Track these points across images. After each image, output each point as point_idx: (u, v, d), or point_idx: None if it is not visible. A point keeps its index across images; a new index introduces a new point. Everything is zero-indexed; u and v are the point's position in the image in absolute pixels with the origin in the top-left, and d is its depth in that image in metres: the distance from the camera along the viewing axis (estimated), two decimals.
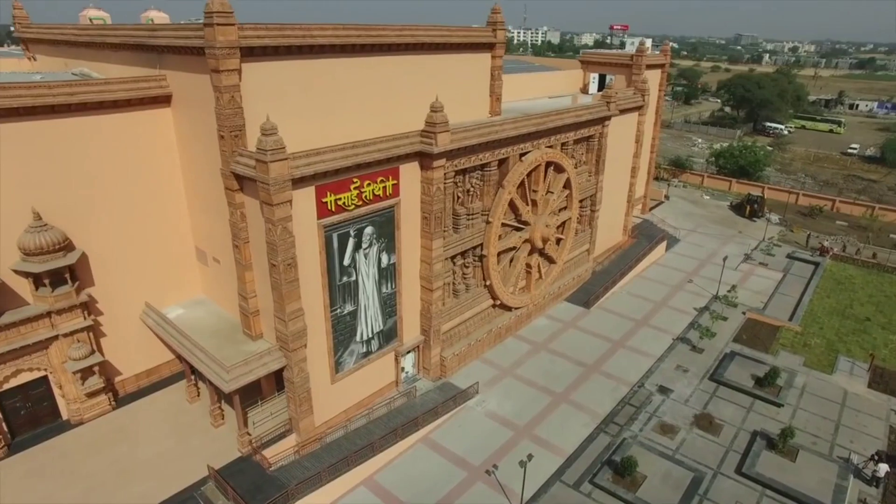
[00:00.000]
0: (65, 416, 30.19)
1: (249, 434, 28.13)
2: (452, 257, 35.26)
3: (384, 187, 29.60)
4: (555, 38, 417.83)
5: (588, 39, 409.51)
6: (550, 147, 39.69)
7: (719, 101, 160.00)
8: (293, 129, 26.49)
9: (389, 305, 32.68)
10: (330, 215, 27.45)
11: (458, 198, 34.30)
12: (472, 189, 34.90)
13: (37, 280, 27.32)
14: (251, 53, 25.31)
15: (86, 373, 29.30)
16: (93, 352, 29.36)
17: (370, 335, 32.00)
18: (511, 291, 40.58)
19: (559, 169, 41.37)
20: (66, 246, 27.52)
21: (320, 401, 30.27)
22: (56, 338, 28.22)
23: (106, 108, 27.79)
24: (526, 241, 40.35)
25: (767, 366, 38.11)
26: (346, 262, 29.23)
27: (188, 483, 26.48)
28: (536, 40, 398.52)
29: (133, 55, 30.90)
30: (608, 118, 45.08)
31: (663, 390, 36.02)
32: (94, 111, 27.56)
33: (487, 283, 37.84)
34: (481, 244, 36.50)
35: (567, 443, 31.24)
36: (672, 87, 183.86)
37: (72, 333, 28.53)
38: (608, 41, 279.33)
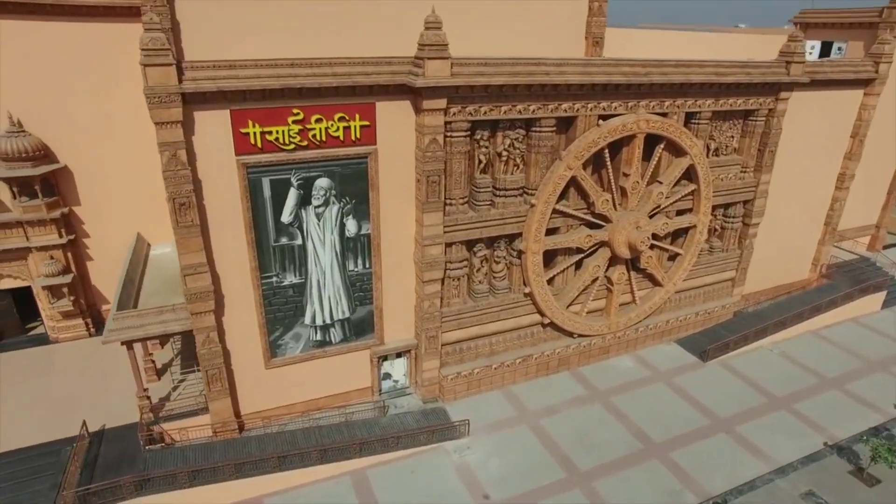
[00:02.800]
0: (48, 331, 29.96)
1: (149, 399, 23.75)
2: (469, 244, 26.00)
3: (348, 128, 22.13)
4: None
5: None
6: (662, 115, 27.12)
7: None
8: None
9: (361, 289, 25.15)
10: (256, 152, 21.16)
11: (480, 162, 24.84)
12: (507, 154, 25.02)
13: (16, 189, 26.83)
14: None
15: (55, 291, 28.35)
16: (66, 272, 28.28)
17: (327, 321, 24.99)
18: (574, 310, 29.26)
19: (676, 150, 28.31)
20: (38, 157, 26.39)
21: (248, 385, 24.48)
22: (30, 250, 27.71)
23: (85, 14, 25.75)
24: (602, 244, 28.54)
25: None
26: (287, 218, 22.67)
27: (72, 434, 23.18)
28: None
29: None
30: (786, 87, 29.70)
31: None
32: (74, 16, 25.72)
33: (528, 290, 27.47)
34: (520, 234, 26.38)
35: None
36: None
37: (44, 248, 27.71)
38: None
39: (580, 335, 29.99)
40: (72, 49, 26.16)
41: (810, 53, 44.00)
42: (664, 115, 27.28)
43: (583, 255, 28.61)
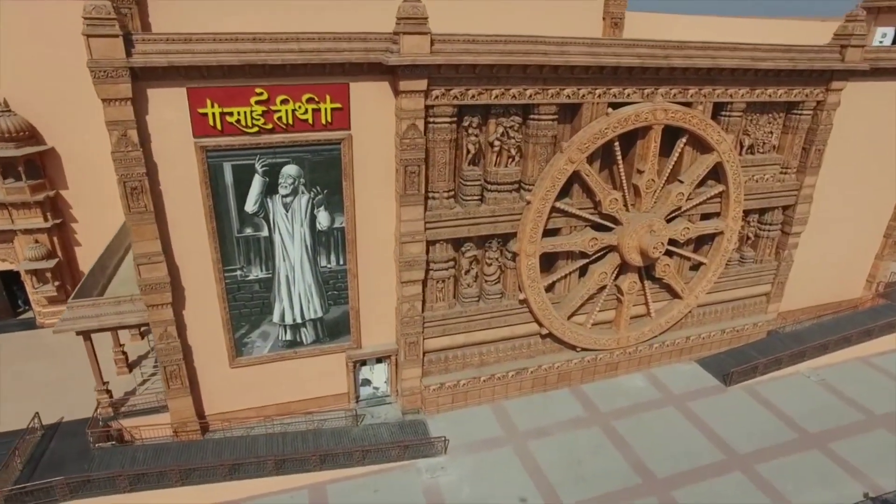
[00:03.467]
0: (36, 315, 29.55)
1: (109, 393, 22.63)
2: (456, 243, 23.60)
3: (318, 111, 20.17)
4: None
5: None
6: (686, 105, 23.85)
7: None
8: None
9: (335, 288, 23.21)
10: (215, 134, 19.49)
11: (469, 152, 22.38)
12: (500, 144, 22.45)
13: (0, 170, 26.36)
14: None
15: (40, 276, 27.82)
16: (51, 256, 27.71)
17: (298, 320, 23.18)
18: (578, 321, 26.41)
19: (701, 145, 24.95)
20: (22, 138, 25.72)
21: (212, 385, 23.01)
22: (16, 233, 27.26)
23: None
24: (610, 248, 25.50)
25: None
26: (251, 208, 20.95)
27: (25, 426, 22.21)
28: None
29: None
30: (840, 76, 25.71)
31: None
32: None
33: (522, 296, 24.82)
34: (515, 234, 23.76)
35: None
36: None
37: (29, 232, 27.19)
38: None
39: (584, 349, 27.05)
40: (63, 28, 25.25)
41: (881, 42, 39.15)
42: (688, 104, 23.98)
43: (588, 261, 25.65)
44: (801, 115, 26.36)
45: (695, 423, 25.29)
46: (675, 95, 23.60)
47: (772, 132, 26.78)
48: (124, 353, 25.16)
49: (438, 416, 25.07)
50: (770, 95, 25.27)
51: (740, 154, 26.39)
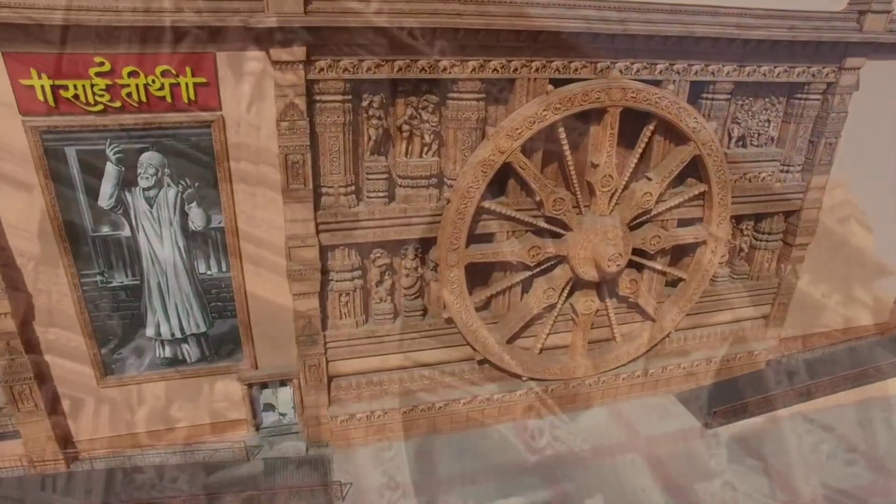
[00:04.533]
0: None
1: None
2: (363, 249, 19.69)
3: (177, 86, 16.56)
4: None
5: None
6: (654, 83, 19.26)
7: None
8: None
9: (219, 298, 19.63)
10: (49, 113, 16.11)
11: (370, 138, 18.41)
12: (410, 129, 18.44)
13: None
14: None
15: None
16: None
17: (177, 335, 19.68)
18: (525, 346, 22.14)
19: (676, 135, 20.28)
20: None
21: (77, 407, 19.79)
22: None
23: None
24: (558, 259, 21.09)
25: None
26: (106, 202, 17.55)
27: None
28: None
29: None
30: (857, 51, 20.59)
31: None
32: None
33: (446, 315, 20.69)
34: (435, 239, 19.67)
35: None
36: None
37: None
38: None
39: (531, 378, 22.70)
40: None
41: None
42: (657, 83, 19.42)
43: (532, 274, 21.30)
44: (806, 99, 21.31)
45: (660, 475, 20.58)
46: (638, 71, 19.09)
47: (769, 121, 21.80)
48: None
49: (349, 452, 21.21)
50: (765, 74, 20.42)
51: (728, 147, 21.62)
